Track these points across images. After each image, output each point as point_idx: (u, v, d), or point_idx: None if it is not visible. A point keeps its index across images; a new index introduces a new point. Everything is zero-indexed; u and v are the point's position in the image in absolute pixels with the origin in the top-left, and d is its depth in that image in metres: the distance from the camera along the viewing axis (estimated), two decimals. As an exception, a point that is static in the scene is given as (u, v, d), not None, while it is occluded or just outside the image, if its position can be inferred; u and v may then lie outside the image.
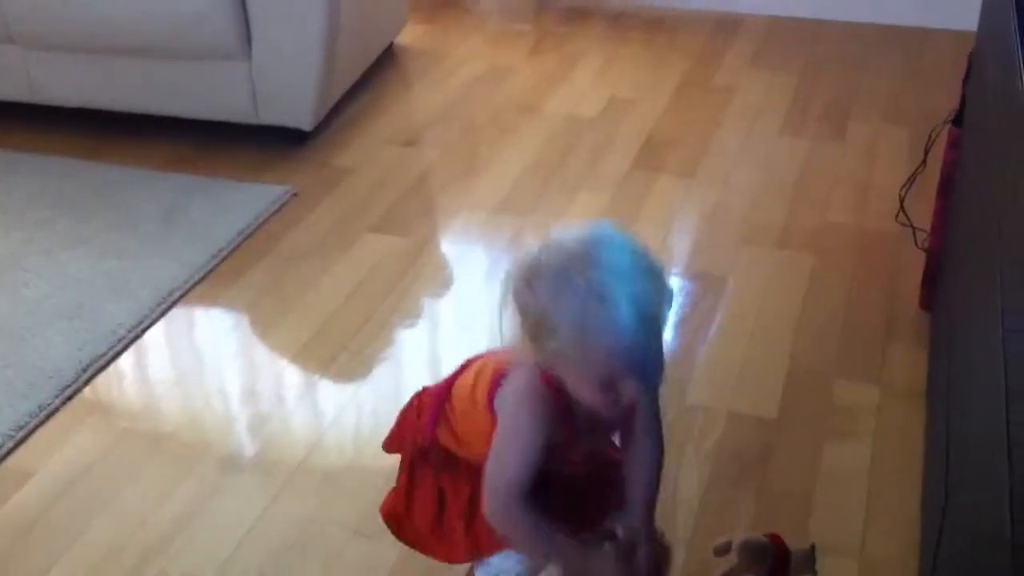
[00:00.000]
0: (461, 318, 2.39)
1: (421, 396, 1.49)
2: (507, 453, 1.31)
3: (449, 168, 2.97)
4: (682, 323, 2.32)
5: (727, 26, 3.82)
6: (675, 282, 2.47)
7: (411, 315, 2.37)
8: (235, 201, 2.77)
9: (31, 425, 2.06)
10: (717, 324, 2.30)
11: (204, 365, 2.27)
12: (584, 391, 1.24)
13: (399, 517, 1.49)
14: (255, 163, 2.95)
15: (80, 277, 2.48)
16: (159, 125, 3.09)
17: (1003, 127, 1.48)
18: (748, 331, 2.27)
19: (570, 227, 1.26)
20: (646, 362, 1.22)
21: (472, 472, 1.38)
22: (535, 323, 1.22)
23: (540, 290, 1.21)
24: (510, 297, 1.26)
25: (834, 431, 1.98)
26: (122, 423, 2.09)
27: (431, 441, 1.44)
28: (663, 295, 1.22)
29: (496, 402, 1.33)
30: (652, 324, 1.21)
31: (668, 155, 2.99)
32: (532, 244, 1.27)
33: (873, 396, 2.06)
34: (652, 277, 1.22)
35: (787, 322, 2.28)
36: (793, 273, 2.45)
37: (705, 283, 2.43)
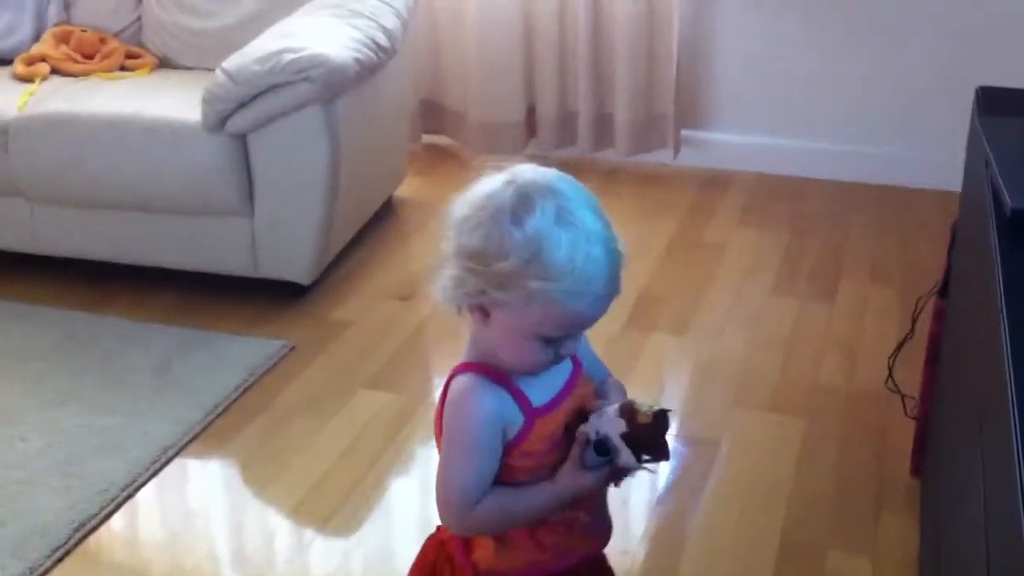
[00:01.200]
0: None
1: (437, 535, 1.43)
2: (452, 460, 1.26)
3: (444, 322, 3.01)
4: (674, 489, 2.32)
5: (716, 183, 3.92)
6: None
7: (405, 474, 2.38)
8: (231, 355, 2.79)
9: (20, 587, 2.05)
10: (709, 490, 2.30)
11: (195, 526, 2.26)
12: (523, 346, 1.21)
13: None
14: (252, 316, 2.99)
15: (74, 433, 2.49)
16: (159, 276, 3.14)
17: (979, 310, 1.53)
18: (740, 498, 2.27)
19: (529, 166, 1.23)
20: (603, 311, 1.21)
21: None
22: (505, 269, 1.16)
23: (535, 228, 1.15)
24: (458, 232, 1.20)
25: (828, 605, 1.98)
26: (112, 587, 2.07)
27: (467, 566, 1.36)
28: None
29: (442, 425, 1.29)
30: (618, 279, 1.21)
31: (660, 312, 3.04)
32: (492, 176, 1.22)
33: (866, 568, 2.06)
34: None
35: (779, 489, 2.29)
36: (785, 438, 2.47)
37: (697, 447, 2.45)
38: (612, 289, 1.21)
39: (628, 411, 1.27)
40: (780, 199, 3.79)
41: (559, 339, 1.22)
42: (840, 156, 3.89)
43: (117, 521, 2.24)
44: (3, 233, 3.18)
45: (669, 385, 2.75)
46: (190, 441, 2.47)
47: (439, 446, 1.31)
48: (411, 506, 2.32)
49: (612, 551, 2.14)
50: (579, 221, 1.18)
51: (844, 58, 3.80)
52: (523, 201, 1.18)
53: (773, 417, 2.55)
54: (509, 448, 1.27)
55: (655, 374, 2.76)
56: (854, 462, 2.38)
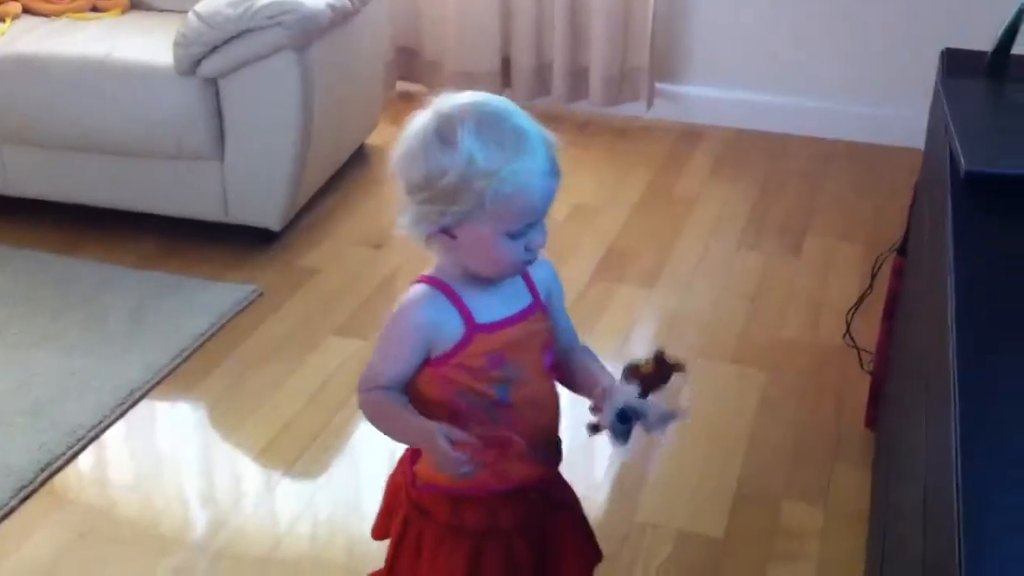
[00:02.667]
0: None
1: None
2: (377, 348, 1.39)
3: (415, 271, 3.01)
4: (634, 436, 2.36)
5: (689, 137, 3.94)
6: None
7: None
8: (202, 300, 2.81)
9: (-13, 525, 2.07)
10: (669, 438, 2.35)
11: (163, 468, 2.29)
12: (493, 249, 1.30)
13: None
14: (223, 261, 3.00)
15: (43, 375, 2.51)
16: (130, 220, 3.14)
17: (931, 268, 1.57)
18: (699, 447, 2.32)
19: (448, 94, 1.32)
20: (549, 205, 1.30)
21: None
22: (450, 185, 1.26)
23: (464, 143, 1.25)
24: (406, 172, 1.30)
25: (779, 554, 2.03)
26: (79, 525, 2.10)
27: (413, 484, 1.46)
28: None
29: None
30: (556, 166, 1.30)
31: (629, 265, 3.07)
32: (419, 114, 1.31)
33: (818, 519, 2.11)
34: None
35: (738, 439, 2.34)
36: (745, 389, 2.51)
37: (658, 396, 2.48)
38: (552, 166, 1.29)
39: (631, 372, 1.37)
40: (753, 154, 3.82)
41: (524, 232, 1.30)
42: (816, 112, 3.91)
43: (84, 461, 2.27)
44: (-27, 174, 3.17)
45: (636, 336, 2.78)
46: (157, 383, 2.49)
47: None
48: (377, 450, 2.35)
49: (571, 497, 2.19)
50: (501, 120, 1.28)
51: (821, 14, 3.81)
52: (445, 121, 1.28)
53: (735, 369, 2.59)
54: (444, 358, 1.36)
55: (622, 325, 2.80)
56: (813, 414, 2.44)
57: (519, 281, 1.41)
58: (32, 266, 2.98)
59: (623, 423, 1.35)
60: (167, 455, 2.34)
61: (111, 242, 3.12)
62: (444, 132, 1.27)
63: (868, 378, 2.35)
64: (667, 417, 1.37)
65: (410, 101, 4.17)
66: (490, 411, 1.39)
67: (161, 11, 3.41)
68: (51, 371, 2.52)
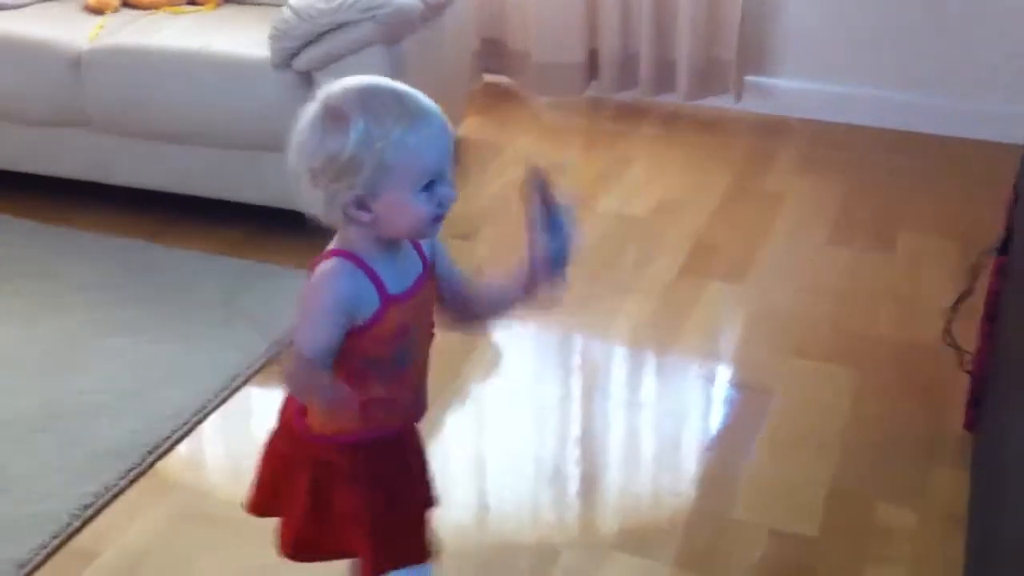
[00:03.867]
0: (509, 406, 2.45)
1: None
2: (300, 328, 1.39)
3: (504, 261, 3.04)
4: (728, 434, 2.37)
5: (777, 130, 3.90)
6: (721, 391, 2.54)
7: (465, 403, 2.45)
8: (293, 288, 2.82)
9: (97, 505, 2.14)
10: (761, 437, 2.34)
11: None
12: (408, 208, 1.34)
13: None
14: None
15: (144, 360, 2.58)
16: (222, 209, 3.20)
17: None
18: (792, 447, 2.31)
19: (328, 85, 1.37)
20: (448, 160, 1.36)
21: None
22: (351, 157, 1.31)
23: (354, 118, 1.31)
24: (307, 162, 1.34)
25: (874, 555, 2.02)
26: (186, 506, 2.16)
27: (310, 436, 1.50)
28: None
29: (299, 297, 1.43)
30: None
31: (716, 260, 3.06)
32: (306, 106, 1.36)
33: (913, 520, 2.09)
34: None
35: (830, 439, 2.33)
36: (837, 388, 2.49)
37: (750, 395, 2.49)
38: (442, 119, 1.35)
39: (529, 190, 1.41)
40: (842, 148, 3.77)
41: (433, 187, 1.35)
42: (906, 106, 3.85)
43: (188, 445, 2.33)
44: (73, 163, 3.26)
45: (723, 332, 2.78)
46: (257, 370, 2.55)
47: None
48: (466, 435, 2.38)
49: (665, 491, 2.21)
50: (384, 92, 1.35)
51: (912, 4, 3.75)
52: (331, 105, 1.34)
53: (827, 367, 2.57)
54: (361, 330, 1.40)
55: (710, 321, 2.79)
56: (906, 414, 2.41)
57: (410, 247, 1.45)
58: (126, 253, 3.06)
59: (555, 218, 1.41)
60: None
61: (202, 229, 3.18)
62: (334, 114, 1.33)
63: (965, 379, 2.32)
64: (570, 214, 1.42)
65: (496, 93, 4.20)
66: (388, 374, 1.45)
67: (255, 4, 3.47)
68: (150, 356, 2.59)
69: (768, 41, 3.97)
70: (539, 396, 2.54)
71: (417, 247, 1.46)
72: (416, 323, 1.46)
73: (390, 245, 1.41)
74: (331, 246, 1.42)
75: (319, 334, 1.38)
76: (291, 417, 1.54)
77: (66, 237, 3.14)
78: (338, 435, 1.49)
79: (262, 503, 1.61)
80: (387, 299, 1.40)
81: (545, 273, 1.42)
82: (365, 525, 1.50)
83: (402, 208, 1.35)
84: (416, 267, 1.46)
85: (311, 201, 1.37)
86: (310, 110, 1.35)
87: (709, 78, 3.93)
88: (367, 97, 1.34)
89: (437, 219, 1.38)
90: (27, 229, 3.19)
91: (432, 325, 1.50)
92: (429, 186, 1.35)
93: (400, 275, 1.42)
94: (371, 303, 1.39)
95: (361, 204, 1.35)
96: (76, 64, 3.09)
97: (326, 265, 1.40)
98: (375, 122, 1.31)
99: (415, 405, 1.55)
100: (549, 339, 2.72)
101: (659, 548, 2.04)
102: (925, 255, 3.07)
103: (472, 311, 1.55)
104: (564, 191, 1.41)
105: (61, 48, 3.11)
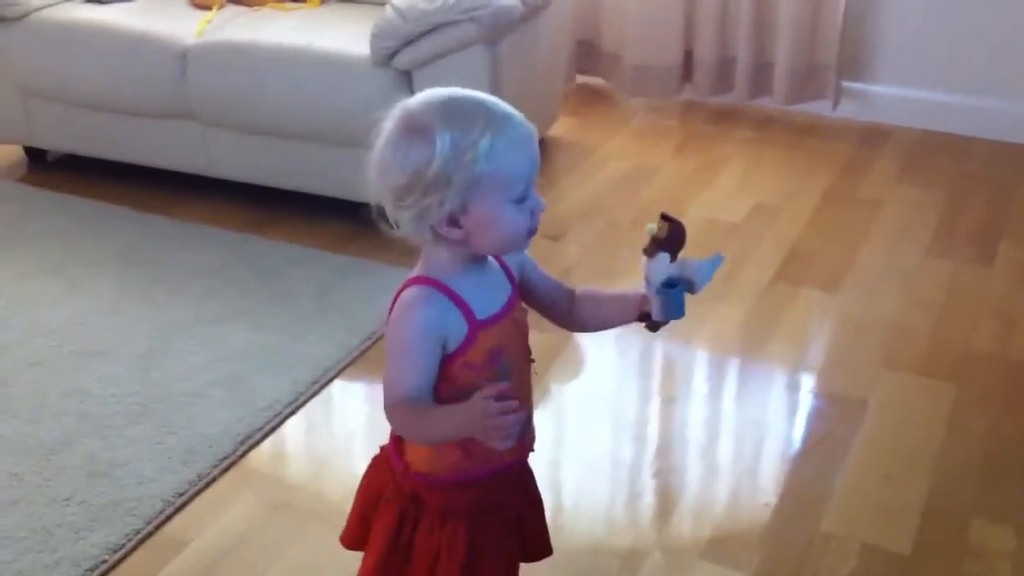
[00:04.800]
0: (591, 418, 2.45)
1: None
2: (393, 362, 1.36)
3: (590, 266, 3.05)
4: (819, 445, 2.34)
5: (875, 137, 3.83)
6: (812, 402, 2.50)
7: (548, 403, 2.45)
8: (387, 284, 2.82)
9: (190, 493, 2.19)
10: (855, 450, 2.31)
11: (356, 444, 2.38)
12: (501, 221, 1.30)
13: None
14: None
15: (240, 349, 2.63)
16: (320, 204, 3.26)
17: None
18: (886, 460, 2.27)
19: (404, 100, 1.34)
20: (538, 167, 1.33)
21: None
22: (439, 171, 1.27)
23: (438, 129, 1.27)
24: (391, 180, 1.30)
25: (969, 574, 1.97)
26: (277, 497, 2.20)
27: (406, 474, 1.45)
28: None
29: (386, 332, 1.39)
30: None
31: (811, 268, 3.01)
32: (384, 124, 1.33)
33: (1011, 540, 2.04)
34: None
35: (926, 453, 2.28)
36: (934, 402, 2.44)
37: (844, 406, 2.45)
38: (528, 126, 1.33)
39: (651, 245, 1.37)
40: (941, 157, 3.69)
41: (526, 197, 1.31)
42: (1006, 115, 3.75)
43: (281, 436, 2.37)
44: (179, 156, 3.34)
45: (816, 341, 2.74)
46: (349, 364, 2.58)
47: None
48: (543, 433, 2.39)
49: (752, 502, 2.19)
50: (463, 100, 1.31)
51: (1012, 13, 3.65)
52: (410, 120, 1.30)
53: (923, 381, 2.52)
54: (452, 357, 1.35)
55: (803, 329, 2.76)
56: (1005, 431, 2.35)
57: (498, 268, 1.41)
58: (228, 244, 3.12)
59: (671, 287, 1.36)
60: (359, 433, 2.43)
61: (299, 224, 3.24)
62: (415, 129, 1.29)
63: (1069, 398, 2.26)
64: (708, 265, 1.37)
65: (589, 94, 4.20)
66: None
67: (357, 3, 3.51)
68: (245, 346, 2.64)
69: (868, 46, 3.90)
70: (626, 400, 2.53)
71: (503, 265, 1.42)
72: (510, 346, 1.39)
73: (476, 265, 1.37)
74: (414, 272, 1.38)
75: (411, 368, 1.34)
76: (388, 447, 1.51)
77: (168, 227, 3.22)
78: (435, 473, 1.44)
79: (355, 536, 1.57)
80: (475, 324, 1.35)
81: (650, 326, 1.41)
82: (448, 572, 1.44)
83: (495, 221, 1.31)
84: (504, 287, 1.41)
85: (399, 221, 1.33)
86: (388, 127, 1.32)
87: (807, 83, 3.88)
88: (449, 108, 1.30)
89: (531, 231, 1.34)
90: (130, 218, 3.28)
91: (528, 349, 1.45)
92: (521, 196, 1.31)
93: (488, 297, 1.38)
94: (459, 329, 1.34)
95: (452, 220, 1.30)
96: (182, 58, 3.16)
97: (406, 295, 1.36)
98: (461, 133, 1.27)
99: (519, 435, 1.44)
100: (635, 343, 2.71)
101: (745, 558, 2.03)
102: (1027, 269, 2.99)
103: (577, 319, 1.51)
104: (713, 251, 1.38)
105: (168, 42, 3.19)
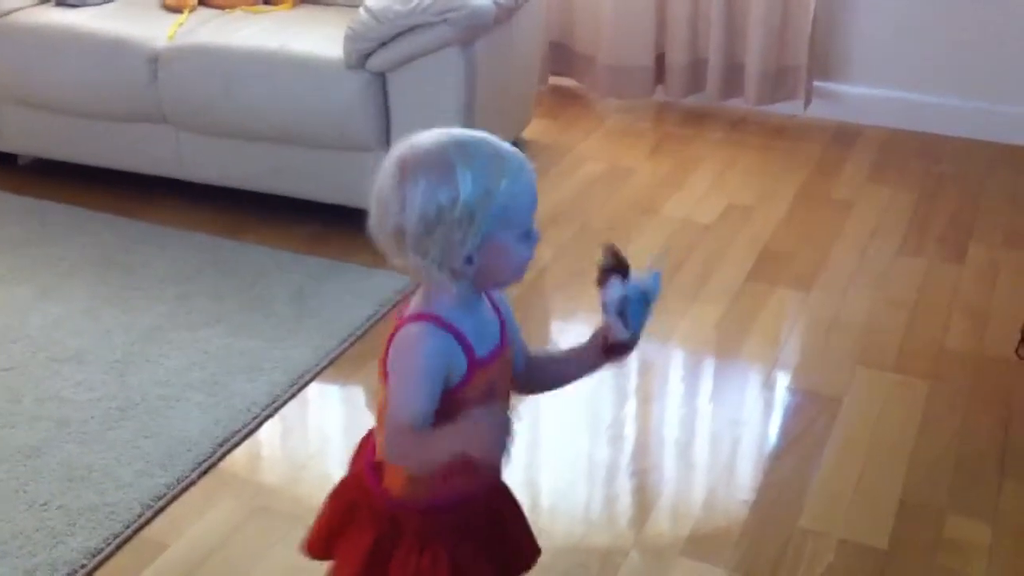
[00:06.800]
0: (569, 420, 2.46)
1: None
2: (402, 392, 1.35)
3: (564, 269, 3.06)
4: (795, 442, 2.36)
5: (846, 136, 3.87)
6: (788, 400, 2.53)
7: (526, 404, 2.46)
8: (362, 287, 2.89)
9: (168, 496, 2.18)
10: (831, 446, 2.33)
11: (333, 447, 2.38)
12: (512, 255, 1.33)
13: None
14: (380, 250, 3.07)
15: (217, 354, 2.62)
16: (294, 207, 3.25)
17: None
18: (861, 457, 2.30)
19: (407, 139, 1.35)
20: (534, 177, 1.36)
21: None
22: (465, 208, 1.28)
23: (460, 168, 1.28)
24: (412, 219, 1.30)
25: (944, 568, 2.00)
26: (255, 500, 2.20)
27: (384, 498, 1.46)
28: None
29: (388, 364, 1.38)
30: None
31: (784, 267, 3.04)
32: (382, 171, 1.33)
33: (986, 535, 2.07)
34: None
35: (901, 450, 2.31)
36: (908, 399, 2.47)
37: (819, 403, 2.47)
38: (528, 163, 1.35)
39: (604, 273, 1.43)
40: (912, 156, 3.73)
41: (531, 230, 1.35)
42: (976, 114, 3.80)
43: (259, 439, 2.37)
44: (151, 160, 3.32)
45: (791, 339, 2.76)
46: (326, 366, 2.58)
47: (383, 387, 1.40)
48: (527, 442, 2.39)
49: (730, 499, 2.21)
50: (471, 141, 1.33)
51: (981, 12, 3.70)
52: (430, 159, 1.30)
53: (897, 378, 2.55)
54: (452, 392, 1.36)
55: (778, 328, 2.78)
56: (978, 428, 2.38)
57: (488, 304, 1.42)
58: (201, 248, 3.11)
59: (625, 308, 1.41)
60: (337, 436, 2.42)
61: (272, 227, 3.23)
62: (436, 167, 1.29)
63: (1040, 393, 2.29)
64: (654, 276, 1.42)
65: (562, 96, 4.21)
66: None
67: (330, 5, 3.51)
68: (222, 350, 2.64)
69: (839, 46, 3.94)
70: (603, 401, 2.54)
71: (492, 303, 1.44)
72: (500, 381, 1.43)
73: (472, 303, 1.38)
74: (414, 309, 1.38)
75: (420, 393, 1.34)
76: (362, 469, 1.51)
77: (142, 231, 3.21)
78: (414, 497, 1.45)
79: (320, 546, 1.58)
80: (475, 362, 1.37)
81: (619, 354, 1.45)
82: None
83: (506, 256, 1.33)
84: (495, 325, 1.43)
85: (418, 268, 1.32)
86: (398, 168, 1.31)
87: (778, 83, 3.91)
88: (463, 147, 1.31)
89: (530, 260, 1.37)
90: (104, 223, 3.26)
91: (511, 383, 1.48)
92: (528, 230, 1.34)
93: (484, 335, 1.39)
94: (460, 366, 1.36)
95: (468, 257, 1.31)
96: (154, 61, 3.15)
97: (413, 328, 1.36)
98: (481, 170, 1.29)
99: (491, 468, 1.45)
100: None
101: (725, 555, 2.04)
102: (999, 267, 3.02)
103: (535, 379, 1.53)
104: (655, 259, 1.42)
105: (140, 45, 3.17)
